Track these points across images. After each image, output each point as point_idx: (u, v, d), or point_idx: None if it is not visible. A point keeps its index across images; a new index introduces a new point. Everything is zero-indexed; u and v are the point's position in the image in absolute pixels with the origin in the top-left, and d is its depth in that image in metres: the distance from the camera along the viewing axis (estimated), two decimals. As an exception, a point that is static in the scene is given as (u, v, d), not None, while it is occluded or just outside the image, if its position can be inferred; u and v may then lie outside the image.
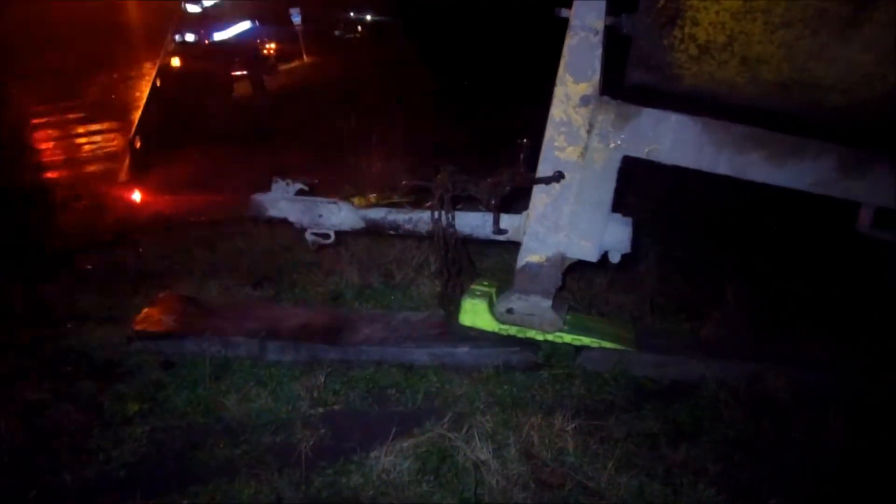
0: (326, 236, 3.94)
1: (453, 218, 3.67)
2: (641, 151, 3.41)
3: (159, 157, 7.70)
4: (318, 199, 3.93)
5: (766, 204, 4.82)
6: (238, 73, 10.83)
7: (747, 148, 3.29)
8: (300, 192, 3.94)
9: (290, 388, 3.34)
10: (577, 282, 4.44)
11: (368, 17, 21.15)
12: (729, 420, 3.17)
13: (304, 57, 15.31)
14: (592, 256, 3.57)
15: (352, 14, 21.10)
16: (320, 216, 3.90)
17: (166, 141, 8.08)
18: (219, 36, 10.49)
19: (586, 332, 3.66)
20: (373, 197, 3.91)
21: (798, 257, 5.00)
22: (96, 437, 3.01)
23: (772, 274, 4.77)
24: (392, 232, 3.94)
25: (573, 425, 2.97)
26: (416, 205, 3.82)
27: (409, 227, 3.83)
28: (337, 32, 20.26)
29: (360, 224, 3.91)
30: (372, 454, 2.83)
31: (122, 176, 6.73)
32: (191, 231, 5.53)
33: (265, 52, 12.54)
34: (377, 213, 3.87)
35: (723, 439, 3.05)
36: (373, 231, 4.00)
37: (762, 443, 3.04)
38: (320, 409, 3.22)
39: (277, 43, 13.45)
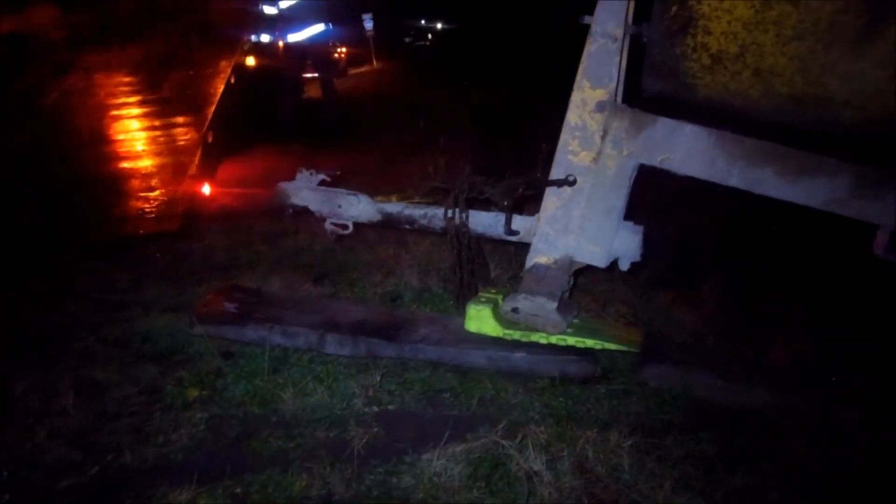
0: (345, 227, 4.04)
1: (467, 217, 3.73)
2: (654, 160, 3.41)
3: (230, 153, 7.89)
4: (339, 189, 4.05)
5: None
6: (309, 74, 11.00)
7: (760, 162, 3.23)
8: (322, 183, 4.06)
9: (345, 385, 3.36)
10: (639, 297, 4.37)
11: (439, 26, 21.35)
12: (792, 448, 3.05)
13: (374, 62, 15.50)
14: (600, 262, 3.57)
15: (422, 22, 21.33)
16: (339, 207, 4.02)
17: (237, 137, 8.27)
18: (293, 37, 10.66)
19: (592, 334, 3.62)
20: (394, 196, 4.05)
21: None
22: (157, 419, 3.09)
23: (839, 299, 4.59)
24: (407, 226, 4.02)
25: (629, 442, 2.90)
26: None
27: (423, 222, 3.92)
28: (407, 39, 20.50)
29: (377, 217, 4.01)
30: (424, 456, 2.82)
31: (193, 169, 6.89)
32: (255, 226, 5.62)
33: (336, 55, 12.73)
34: (394, 208, 3.98)
35: (784, 468, 2.93)
36: (388, 224, 4.09)
37: (825, 473, 2.91)
38: (375, 408, 3.22)
39: (349, 47, 13.63)
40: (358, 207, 4.01)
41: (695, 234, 5.48)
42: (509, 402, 3.28)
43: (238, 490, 2.66)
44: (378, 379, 3.40)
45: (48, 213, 5.81)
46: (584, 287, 4.46)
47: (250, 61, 10.40)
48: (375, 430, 3.04)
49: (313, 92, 10.94)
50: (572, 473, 2.73)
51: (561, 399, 3.30)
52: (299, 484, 2.68)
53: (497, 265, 4.56)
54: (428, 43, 20.62)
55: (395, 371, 3.52)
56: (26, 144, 7.30)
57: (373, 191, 4.19)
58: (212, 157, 7.47)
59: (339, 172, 4.20)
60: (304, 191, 4.07)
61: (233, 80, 9.44)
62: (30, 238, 5.35)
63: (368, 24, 15.28)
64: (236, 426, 3.09)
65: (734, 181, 3.28)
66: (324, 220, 4.07)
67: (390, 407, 3.25)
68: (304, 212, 4.14)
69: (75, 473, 2.74)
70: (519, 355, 3.54)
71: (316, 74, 11.12)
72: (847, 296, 4.42)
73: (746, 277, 4.79)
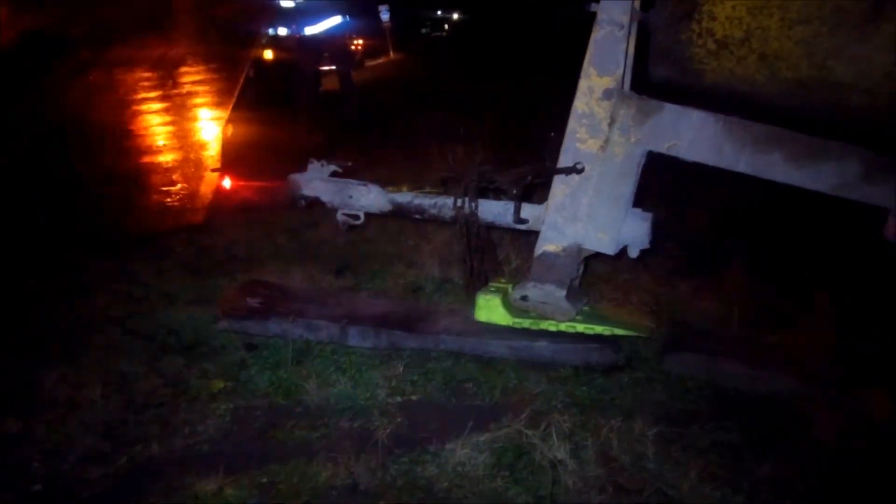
0: (356, 217, 4.06)
1: (476, 206, 3.74)
2: (662, 147, 3.41)
3: (249, 146, 7.93)
4: (350, 180, 4.07)
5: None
6: (326, 67, 11.02)
7: (767, 147, 3.22)
8: (334, 174, 4.09)
9: (368, 375, 3.38)
10: (662, 286, 4.34)
11: (455, 16, 21.28)
12: (819, 437, 3.02)
13: (391, 54, 15.50)
14: (609, 249, 3.57)
15: (439, 13, 21.27)
16: (350, 197, 4.04)
17: (257, 130, 8.31)
18: (310, 30, 10.68)
19: (601, 320, 3.62)
20: (404, 186, 4.05)
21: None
22: (183, 411, 3.12)
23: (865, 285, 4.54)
24: (417, 216, 4.03)
25: (654, 431, 2.89)
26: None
27: (433, 211, 3.94)
28: (423, 30, 20.46)
29: (388, 207, 4.02)
30: (448, 446, 2.83)
31: (214, 162, 6.94)
32: (276, 219, 5.65)
33: (353, 47, 12.74)
34: (404, 198, 3.99)
35: (812, 457, 2.90)
36: (398, 214, 4.11)
37: (854, 465, 2.89)
38: (398, 399, 3.24)
39: (365, 39, 13.65)
40: (368, 198, 4.04)
41: (718, 220, 5.42)
42: (532, 392, 3.27)
43: (264, 480, 2.68)
44: (401, 370, 3.41)
45: (71, 207, 5.88)
46: (607, 276, 4.45)
47: (268, 55, 10.45)
48: (399, 420, 3.05)
49: (331, 84, 10.96)
50: (596, 462, 2.72)
51: (584, 388, 3.30)
52: (324, 473, 2.70)
53: (518, 254, 4.55)
54: (445, 34, 20.57)
55: (417, 362, 3.52)
56: (50, 140, 7.39)
57: (394, 181, 4.20)
58: (232, 151, 7.51)
59: (350, 163, 4.22)
60: (316, 182, 4.10)
61: (251, 74, 9.49)
62: (53, 232, 5.42)
63: (385, 16, 15.30)
64: (261, 417, 3.11)
65: (742, 167, 3.28)
66: (336, 211, 4.10)
67: (413, 397, 3.26)
68: (316, 203, 4.16)
69: (104, 464, 2.78)
70: (541, 344, 3.53)
71: (333, 67, 11.14)
72: (873, 281, 4.36)
73: (770, 264, 4.74)
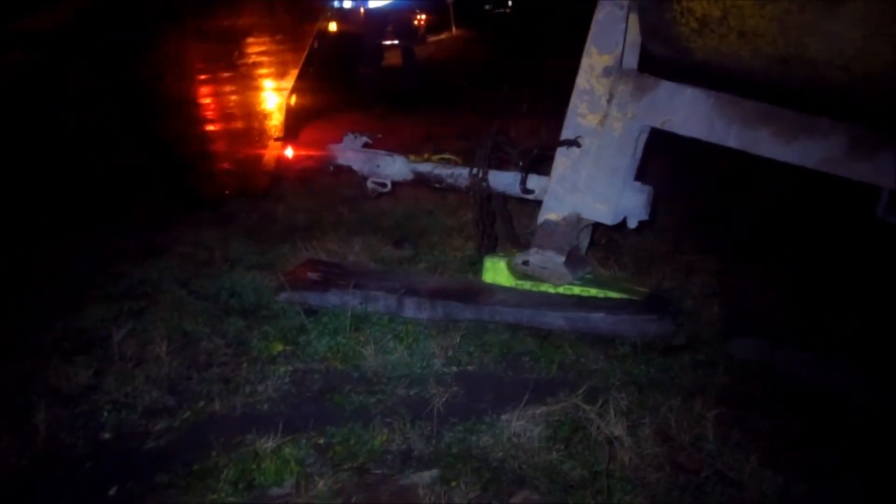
0: (384, 185, 4.38)
1: (486, 175, 3.99)
2: (657, 122, 3.55)
3: (312, 117, 8.00)
4: (378, 151, 4.40)
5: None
6: (389, 41, 11.03)
7: (756, 123, 3.26)
8: (366, 145, 4.43)
9: (425, 345, 3.39)
10: (726, 269, 4.23)
11: (519, -7, 20.99)
12: (885, 431, 2.91)
13: (454, 29, 15.42)
14: (607, 219, 3.72)
15: (501, -11, 21.01)
16: (378, 166, 4.35)
17: (320, 101, 8.38)
18: (374, 4, 10.68)
19: (597, 285, 3.79)
20: (427, 154, 4.31)
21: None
22: (244, 371, 3.19)
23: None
24: (437, 185, 4.32)
25: (714, 413, 2.82)
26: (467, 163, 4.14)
27: (450, 181, 4.20)
28: (487, 7, 20.26)
29: (410, 175, 4.32)
30: (503, 417, 2.82)
31: (277, 132, 7.04)
32: (337, 189, 5.70)
33: (416, 22, 12.71)
34: (425, 167, 4.27)
35: (877, 451, 2.80)
36: (420, 183, 4.40)
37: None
38: (454, 368, 3.24)
39: (428, 14, 13.59)
40: (394, 167, 4.33)
41: (781, 204, 5.26)
42: (590, 368, 3.24)
43: (321, 441, 2.72)
44: (457, 340, 3.41)
45: (143, 173, 6.04)
46: (667, 257, 4.37)
47: (332, 27, 10.50)
48: (455, 389, 3.06)
49: (394, 59, 10.97)
50: (654, 440, 2.68)
51: (643, 367, 3.24)
52: (380, 438, 2.72)
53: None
54: (508, 10, 20.32)
55: (474, 333, 3.52)
56: (122, 110, 7.59)
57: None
58: (295, 121, 7.60)
59: (379, 135, 4.57)
60: (349, 152, 4.42)
61: (315, 46, 9.56)
62: (122, 196, 5.59)
63: (448, -8, 15.20)
64: (319, 380, 3.16)
65: (732, 142, 3.36)
66: (366, 178, 4.40)
67: (469, 368, 3.27)
68: (348, 170, 4.48)
69: (169, 417, 2.86)
70: (598, 315, 3.53)
71: (396, 41, 11.14)
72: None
73: (835, 251, 4.59)
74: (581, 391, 2.93)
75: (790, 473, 2.58)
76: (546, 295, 3.78)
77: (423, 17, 13.26)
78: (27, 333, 3.54)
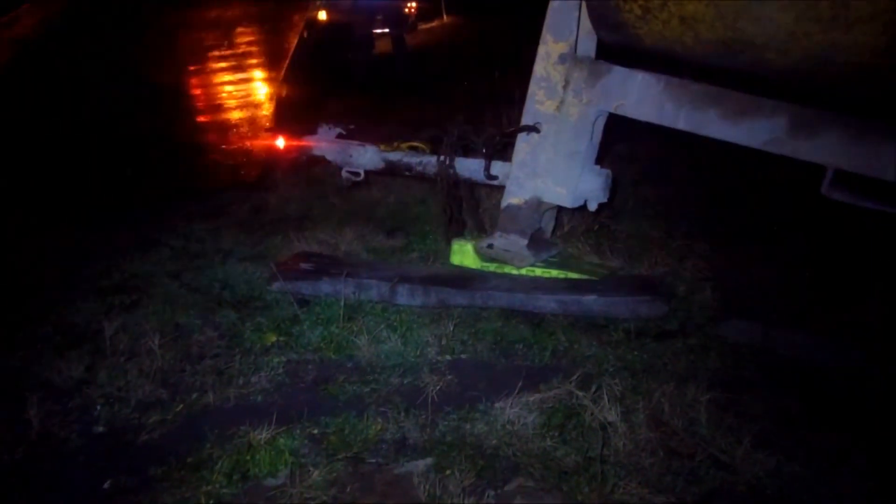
0: (357, 174, 4.45)
1: (453, 161, 4.10)
2: (610, 106, 3.61)
3: (303, 106, 7.95)
4: (350, 141, 4.48)
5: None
6: (380, 30, 10.96)
7: (704, 105, 3.34)
8: (339, 136, 4.51)
9: (419, 334, 3.39)
10: (718, 253, 4.23)
11: (509, -22, 20.84)
12: (879, 410, 2.93)
13: (444, 17, 15.32)
14: (567, 202, 3.82)
15: (493, -25, 20.85)
16: (350, 156, 4.42)
17: (311, 91, 8.33)
18: (364, -7, 10.63)
19: (559, 267, 3.90)
20: (396, 143, 4.39)
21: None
22: (237, 362, 3.18)
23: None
24: (406, 173, 4.40)
25: (707, 397, 2.83)
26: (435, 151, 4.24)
27: (419, 168, 4.30)
28: (477, -7, 20.12)
29: (381, 164, 4.42)
30: (497, 404, 2.83)
31: (268, 122, 7.00)
32: (328, 179, 5.67)
33: (407, 10, 12.63)
34: (394, 156, 4.36)
35: (870, 429, 2.81)
36: (391, 171, 4.49)
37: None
38: (447, 357, 3.24)
39: (419, 2, 13.50)
40: (365, 157, 4.42)
41: (774, 188, 5.26)
42: (583, 355, 3.24)
43: (315, 431, 2.73)
44: (451, 328, 3.41)
45: (132, 164, 6.00)
46: (660, 241, 4.37)
47: (322, 16, 10.43)
48: (449, 377, 3.06)
49: (384, 47, 10.91)
50: (648, 425, 2.69)
51: (636, 353, 3.25)
52: (374, 427, 2.73)
53: (570, 219, 4.49)
54: (498, -4, 20.20)
55: (467, 321, 3.53)
56: (111, 100, 7.54)
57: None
58: (286, 110, 7.55)
59: (352, 126, 4.64)
60: (323, 143, 4.51)
61: (306, 36, 9.50)
62: (112, 189, 5.55)
63: (438, -21, 15.08)
64: (313, 371, 3.16)
65: (681, 124, 3.43)
66: (340, 168, 4.48)
67: (463, 356, 3.27)
68: (322, 160, 4.60)
69: (162, 410, 2.86)
70: (590, 298, 3.55)
71: (386, 30, 11.07)
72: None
73: (828, 232, 4.60)
74: (574, 378, 2.94)
75: (783, 455, 2.59)
76: (538, 279, 3.79)
77: (414, 4, 13.17)
78: (19, 328, 3.53)
